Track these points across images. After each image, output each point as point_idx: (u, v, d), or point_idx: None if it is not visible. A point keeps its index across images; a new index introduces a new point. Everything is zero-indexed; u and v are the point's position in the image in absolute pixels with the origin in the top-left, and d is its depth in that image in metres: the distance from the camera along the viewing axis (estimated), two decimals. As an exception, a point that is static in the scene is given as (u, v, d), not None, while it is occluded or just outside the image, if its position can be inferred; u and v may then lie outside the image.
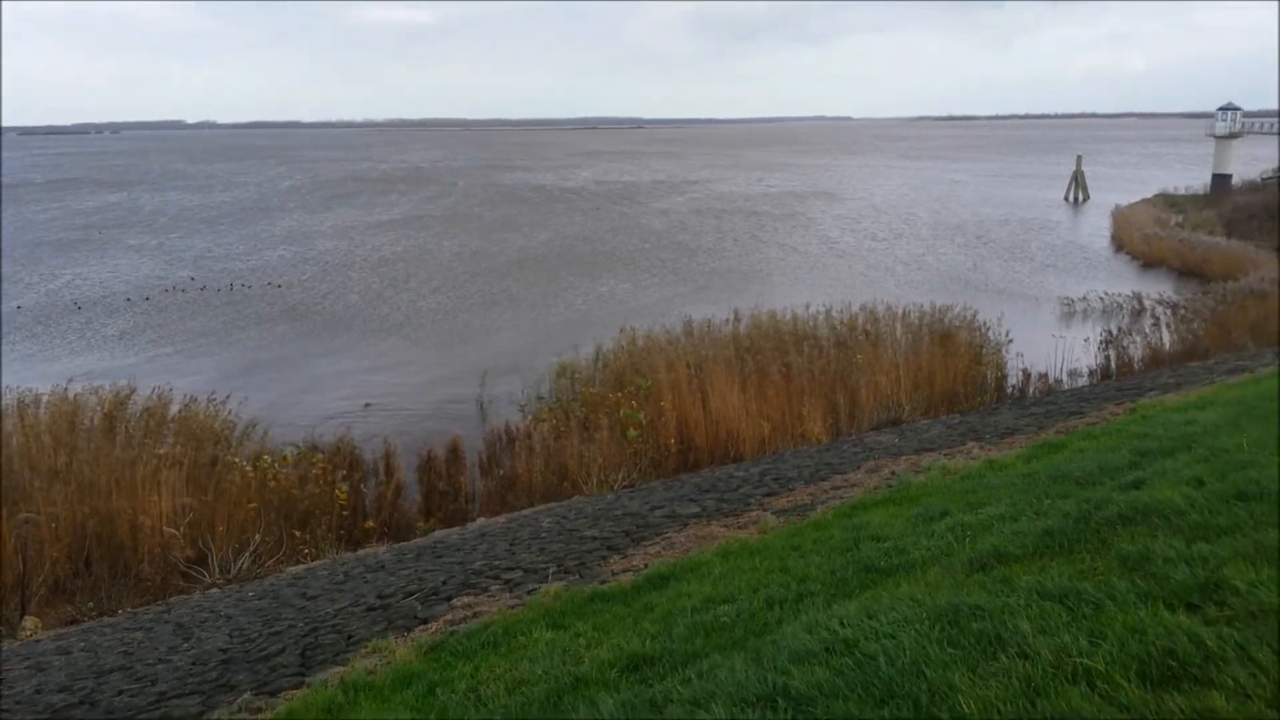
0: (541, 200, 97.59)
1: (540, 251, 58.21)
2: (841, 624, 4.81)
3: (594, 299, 42.34)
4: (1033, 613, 4.45)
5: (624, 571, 9.36)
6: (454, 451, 19.65)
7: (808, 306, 27.88)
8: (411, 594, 9.63)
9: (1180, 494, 6.10)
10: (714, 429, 20.32)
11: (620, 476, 17.34)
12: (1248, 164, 77.65)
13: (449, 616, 8.53)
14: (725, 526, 10.88)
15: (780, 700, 4.03)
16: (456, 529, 14.77)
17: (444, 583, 9.91)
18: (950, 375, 23.05)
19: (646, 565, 9.22)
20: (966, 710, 3.61)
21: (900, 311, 26.71)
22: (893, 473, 12.37)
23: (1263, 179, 70.08)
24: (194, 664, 8.57)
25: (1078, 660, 3.88)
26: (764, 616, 5.97)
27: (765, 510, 11.40)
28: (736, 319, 26.77)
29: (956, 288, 41.39)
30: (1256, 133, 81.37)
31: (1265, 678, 3.73)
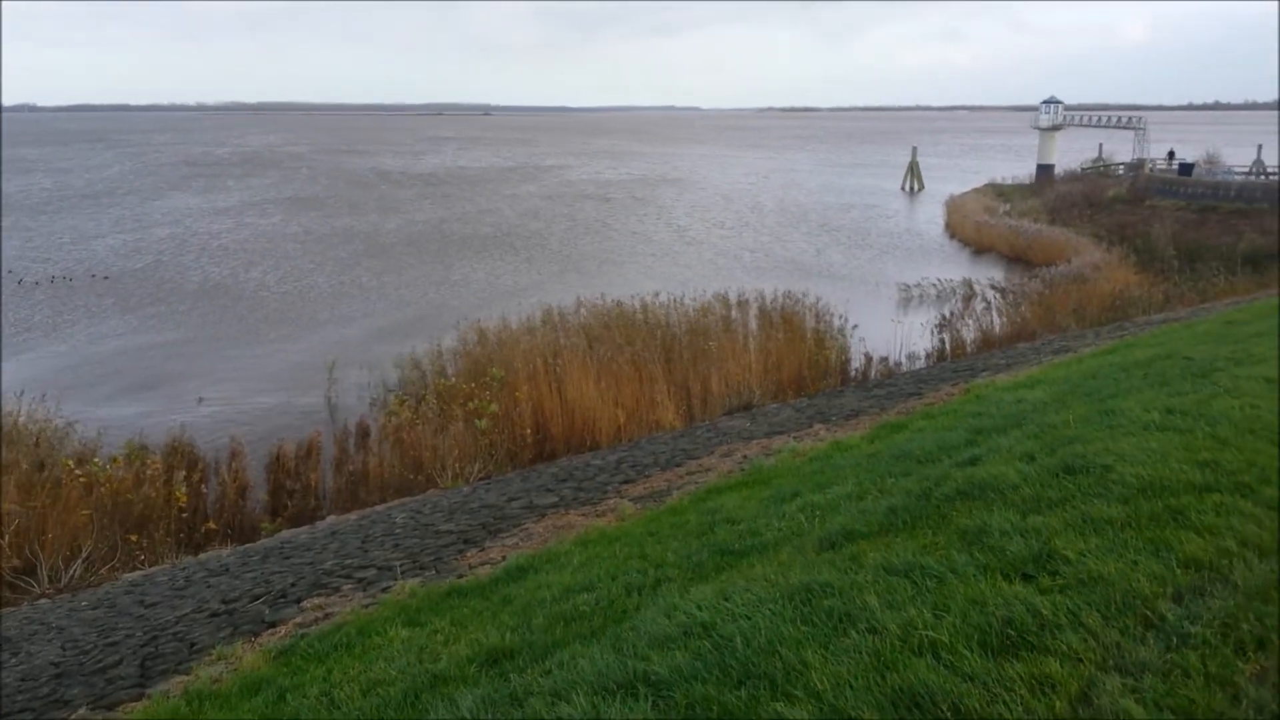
0: (389, 186, 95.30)
1: (389, 239, 56.85)
2: (699, 607, 4.88)
3: (446, 288, 41.65)
4: (880, 588, 4.61)
5: (481, 565, 9.26)
6: (306, 448, 18.99)
7: (657, 295, 28.15)
8: (258, 597, 9.27)
9: (1013, 469, 6.43)
10: (570, 418, 20.30)
11: (476, 468, 17.14)
12: (1069, 155, 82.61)
13: (299, 619, 8.26)
14: (583, 515, 10.90)
15: (641, 686, 4.06)
16: (306, 528, 14.30)
17: (293, 584, 9.58)
18: (798, 360, 23.70)
19: (504, 558, 9.16)
20: (820, 686, 3.71)
21: (750, 298, 27.29)
22: (745, 456, 12.64)
23: (1082, 169, 74.70)
24: (23, 680, 8.02)
25: (923, 633, 4.04)
26: (623, 603, 6.00)
27: (623, 498, 11.48)
28: (589, 307, 26.79)
29: (802, 274, 42.58)
30: (1077, 125, 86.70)
31: (1095, 642, 3.97)
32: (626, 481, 12.74)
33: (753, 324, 25.66)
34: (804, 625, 4.31)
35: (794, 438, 13.35)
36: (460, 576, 8.79)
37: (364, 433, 20.18)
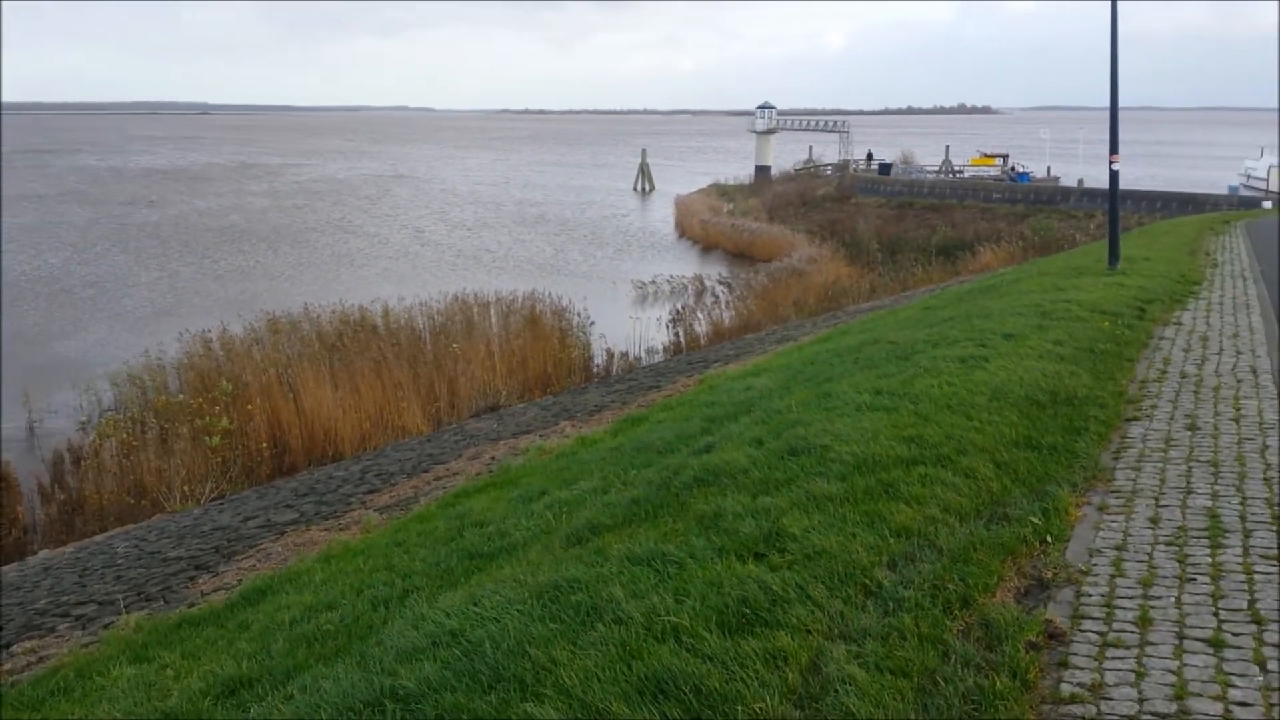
0: (95, 186, 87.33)
1: (96, 247, 52.07)
2: (447, 615, 4.82)
3: (168, 297, 38.68)
4: (625, 579, 4.73)
5: (215, 591, 8.77)
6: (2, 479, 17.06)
7: (402, 298, 27.47)
8: (-49, 651, 8.27)
9: (744, 454, 6.78)
10: (309, 429, 19.42)
11: (208, 488, 16.06)
12: (784, 157, 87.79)
13: (9, 666, 7.51)
14: (326, 530, 10.53)
15: (388, 703, 3.96)
16: (14, 565, 12.88)
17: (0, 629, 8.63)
18: (543, 359, 23.84)
19: (240, 581, 8.70)
20: (569, 682, 3.76)
21: (491, 299, 27.16)
22: (493, 458, 12.61)
23: (795, 170, 79.70)
24: None
25: (666, 619, 4.18)
26: (369, 618, 5.84)
27: (368, 509, 11.18)
28: (326, 313, 25.72)
29: (542, 274, 42.85)
30: (789, 129, 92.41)
31: (822, 613, 4.25)
32: (371, 491, 12.41)
33: (496, 325, 25.57)
34: (553, 623, 4.35)
35: (541, 436, 13.45)
36: (192, 605, 8.29)
37: (77, 458, 18.43)
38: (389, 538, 8.47)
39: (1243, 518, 5.43)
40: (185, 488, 16.02)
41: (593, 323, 27.11)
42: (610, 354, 25.06)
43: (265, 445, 18.80)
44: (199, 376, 21.85)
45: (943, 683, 3.69)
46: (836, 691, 3.62)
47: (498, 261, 48.24)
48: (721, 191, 73.24)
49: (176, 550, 10.94)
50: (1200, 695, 3.63)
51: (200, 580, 9.42)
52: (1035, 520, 5.25)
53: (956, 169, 72.44)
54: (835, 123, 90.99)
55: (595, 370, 24.29)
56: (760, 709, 3.53)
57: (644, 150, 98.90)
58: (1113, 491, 5.93)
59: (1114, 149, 16.49)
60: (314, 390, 19.93)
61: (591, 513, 6.48)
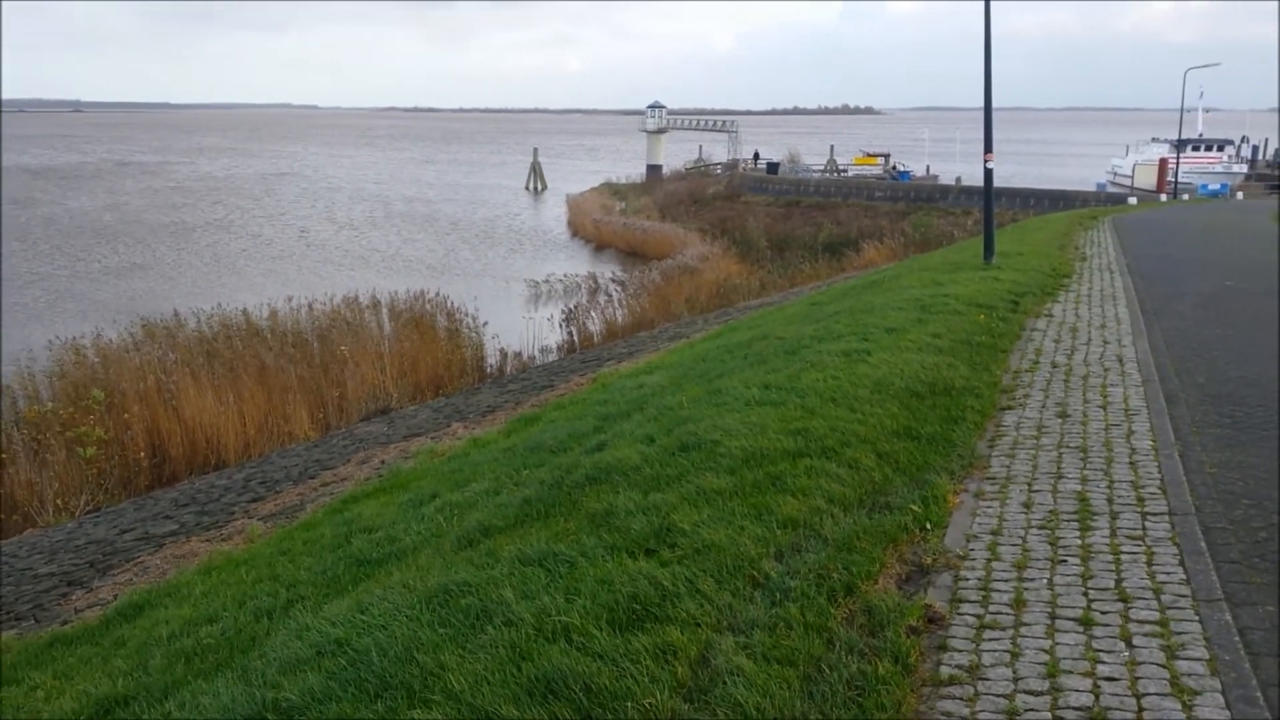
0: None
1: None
2: (333, 624, 4.71)
3: (39, 303, 36.81)
4: (516, 580, 4.70)
5: (90, 607, 8.40)
6: None
7: (290, 300, 26.71)
8: None
9: (636, 451, 6.81)
10: (190, 437, 18.73)
11: (83, 501, 15.36)
12: (674, 156, 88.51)
13: None
14: (207, 541, 10.21)
15: (270, 716, 3.85)
16: None
17: None
18: (434, 360, 23.49)
19: (117, 596, 8.37)
20: (457, 687, 3.72)
21: (381, 299, 26.64)
22: (383, 461, 12.39)
23: (686, 169, 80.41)
24: None
25: (557, 619, 4.17)
26: (252, 630, 5.67)
27: (251, 518, 10.89)
28: (206, 316, 24.84)
29: (433, 274, 42.26)
30: (679, 129, 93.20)
31: (711, 606, 4.30)
32: (256, 500, 12.07)
33: (386, 326, 25.09)
34: (442, 627, 4.29)
35: (432, 438, 13.27)
36: (65, 623, 7.94)
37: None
38: (274, 547, 8.24)
39: (1110, 500, 5.69)
40: (58, 501, 15.31)
41: (486, 323, 26.85)
42: (504, 354, 24.85)
43: (143, 455, 18.07)
44: (72, 385, 20.87)
45: (828, 670, 3.77)
46: (725, 683, 3.66)
47: (386, 262, 47.38)
48: (614, 190, 73.44)
49: (48, 566, 10.46)
50: (1071, 672, 3.78)
51: (74, 597, 9.02)
52: (915, 508, 5.40)
53: (841, 168, 74.20)
54: (724, 122, 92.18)
55: (488, 370, 24.06)
56: (650, 704, 3.55)
57: (535, 149, 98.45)
58: (988, 478, 6.15)
59: (988, 148, 17.10)
60: (195, 397, 19.24)
61: (483, 514, 6.42)
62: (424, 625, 4.35)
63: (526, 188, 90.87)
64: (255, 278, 41.78)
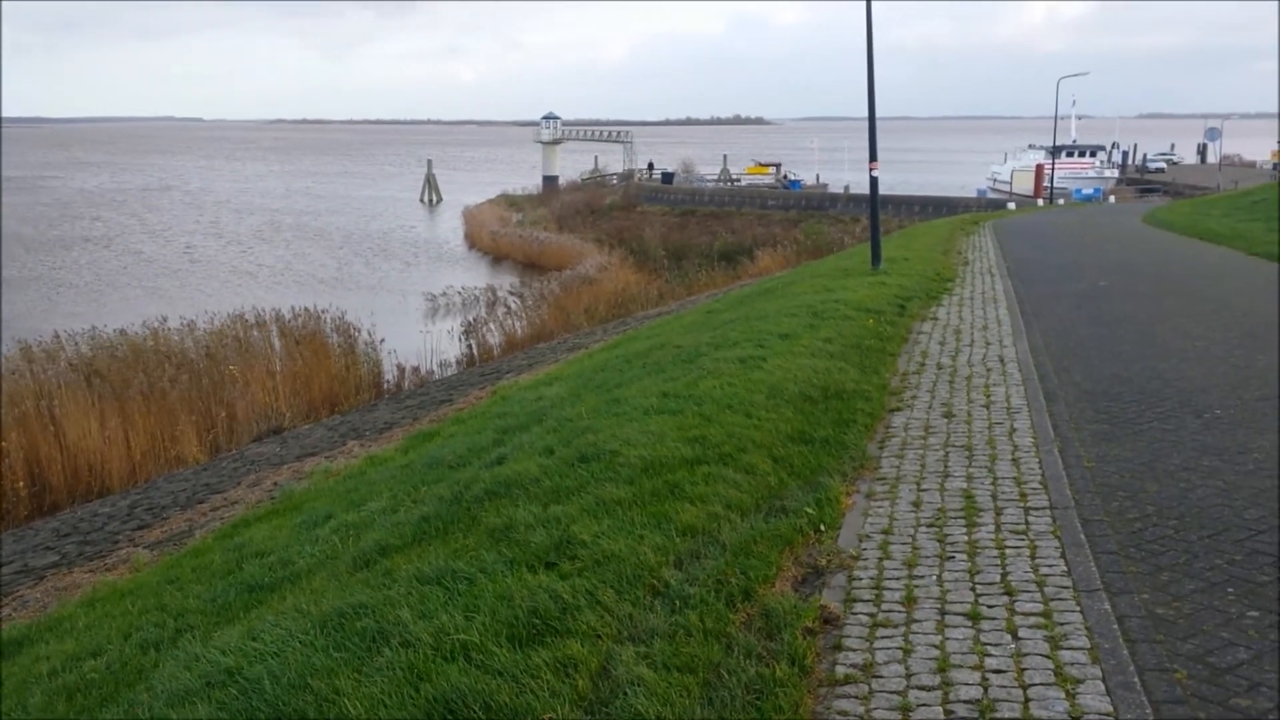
0: None
1: None
2: (223, 652, 4.56)
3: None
4: (413, 600, 4.62)
5: (-38, 649, 7.94)
6: None
7: (164, 319, 25.78)
8: None
9: (535, 464, 6.78)
10: (73, 464, 17.92)
11: (-49, 537, 14.56)
12: (570, 167, 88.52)
13: None
14: (91, 571, 9.82)
15: (157, 753, 3.71)
16: None
17: None
18: (328, 377, 22.95)
19: (-9, 635, 7.92)
20: (353, 711, 3.64)
21: (270, 316, 25.95)
22: (275, 483, 12.08)
23: (582, 179, 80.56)
24: None
25: (455, 637, 4.12)
26: (139, 663, 5.46)
27: (137, 546, 10.51)
28: (86, 338, 23.83)
29: (326, 289, 41.34)
30: (575, 139, 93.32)
31: (611, 617, 4.30)
32: (141, 527, 11.66)
33: (276, 344, 24.43)
34: (337, 651, 4.20)
35: (327, 458, 12.99)
36: (-66, 666, 7.48)
37: None
38: (161, 575, 7.95)
39: (994, 497, 5.89)
40: (-76, 537, 14.48)
41: (383, 340, 26.39)
42: (401, 369, 24.45)
43: (22, 484, 17.22)
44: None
45: (726, 675, 3.81)
46: (626, 694, 3.67)
47: (276, 277, 46.21)
48: (510, 202, 73.06)
49: (-85, 607, 9.87)
50: (961, 666, 3.90)
51: (-56, 638, 8.52)
52: (810, 511, 5.51)
53: (734, 178, 75.32)
54: (619, 133, 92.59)
55: (385, 386, 23.63)
56: (550, 719, 3.53)
57: (429, 161, 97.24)
58: (879, 479, 6.31)
59: (873, 156, 17.57)
60: (78, 421, 18.43)
61: (380, 534, 6.31)
62: (318, 650, 4.24)
63: (421, 200, 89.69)
64: (138, 296, 40.28)
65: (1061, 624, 4.21)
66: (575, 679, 3.78)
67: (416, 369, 24.47)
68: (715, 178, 75.06)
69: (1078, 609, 4.35)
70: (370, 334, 25.94)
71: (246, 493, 12.02)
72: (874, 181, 17.99)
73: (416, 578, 4.95)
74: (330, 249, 56.54)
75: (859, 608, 4.48)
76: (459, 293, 37.87)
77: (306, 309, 26.68)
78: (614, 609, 4.35)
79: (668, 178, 70.16)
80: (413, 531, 6.12)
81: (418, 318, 35.29)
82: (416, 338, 28.46)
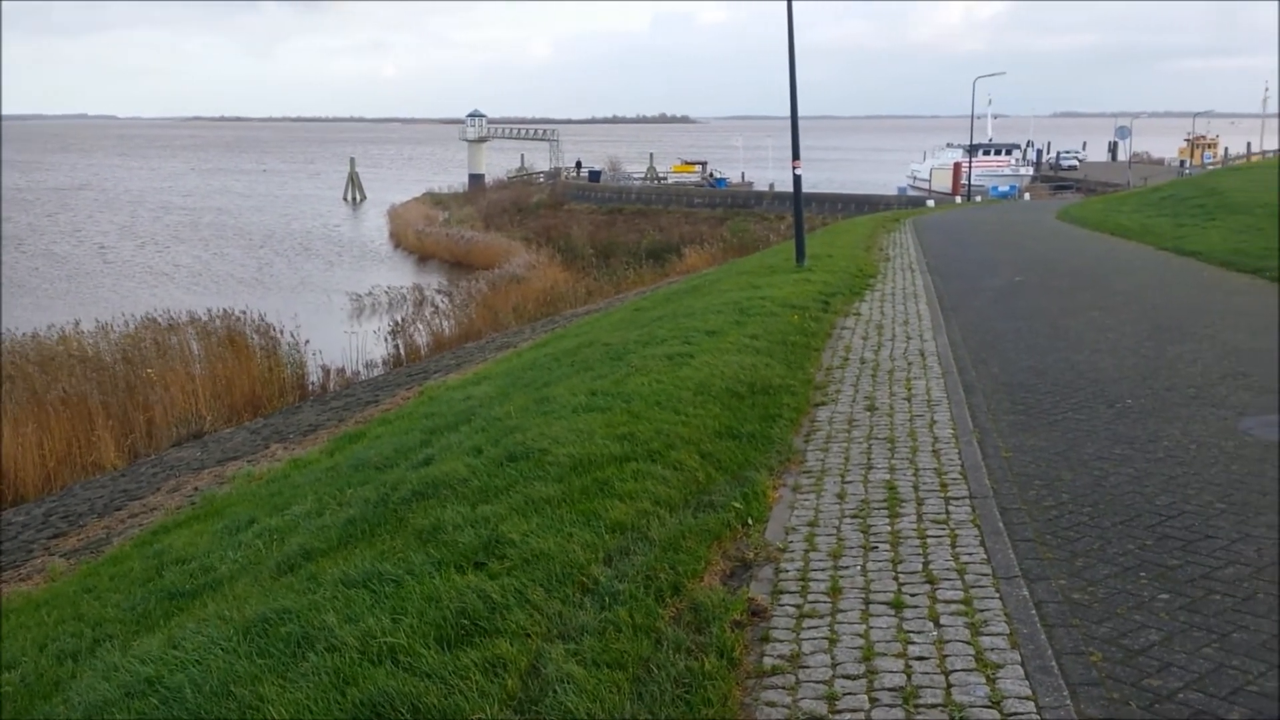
0: None
1: None
2: (143, 662, 4.46)
3: None
4: (339, 604, 4.57)
5: None
6: None
7: (78, 323, 25.02)
8: None
9: (463, 464, 6.73)
10: (-18, 472, 17.31)
11: None
12: (497, 165, 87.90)
13: None
14: (4, 582, 9.51)
15: (74, 766, 3.61)
16: None
17: None
18: (249, 380, 22.47)
19: (-106, 653, 7.61)
20: (278, 717, 3.59)
21: (186, 319, 25.32)
22: (196, 488, 11.83)
23: (509, 178, 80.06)
24: None
25: (382, 640, 4.08)
26: (55, 674, 5.31)
27: (53, 555, 10.23)
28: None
29: (246, 290, 40.49)
30: (500, 137, 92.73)
31: (540, 615, 4.30)
32: (57, 536, 11.33)
33: (195, 346, 23.84)
34: (260, 658, 4.13)
35: (250, 461, 12.73)
36: None
37: None
38: (78, 585, 7.73)
39: (916, 488, 6.02)
40: None
41: (308, 341, 25.93)
42: (326, 370, 24.04)
43: (-72, 496, 16.59)
44: None
45: (656, 670, 3.83)
46: (555, 692, 3.67)
47: (194, 278, 45.09)
48: (436, 200, 72.28)
49: None
50: (885, 654, 3.98)
51: None
52: (737, 505, 5.57)
53: (660, 176, 75.58)
54: (545, 131, 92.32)
55: (310, 388, 23.21)
56: (479, 719, 3.52)
57: (352, 159, 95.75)
58: (804, 472, 6.40)
59: (796, 155, 17.79)
60: (-12, 430, 17.79)
61: (304, 538, 6.21)
62: (241, 657, 4.17)
63: (344, 198, 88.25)
64: (47, 300, 38.96)
65: (981, 610, 4.32)
66: (504, 678, 3.77)
67: (342, 370, 24.10)
68: (642, 176, 75.26)
69: (997, 596, 4.47)
70: (294, 335, 25.47)
71: (166, 498, 11.75)
72: (797, 179, 18.21)
73: (342, 581, 4.89)
74: (250, 248, 55.34)
75: (786, 599, 4.54)
76: (385, 292, 37.37)
77: (226, 310, 26.11)
78: (543, 607, 4.35)
79: (595, 176, 70.13)
80: (338, 535, 6.04)
81: (342, 318, 34.72)
82: (341, 338, 28.01)
